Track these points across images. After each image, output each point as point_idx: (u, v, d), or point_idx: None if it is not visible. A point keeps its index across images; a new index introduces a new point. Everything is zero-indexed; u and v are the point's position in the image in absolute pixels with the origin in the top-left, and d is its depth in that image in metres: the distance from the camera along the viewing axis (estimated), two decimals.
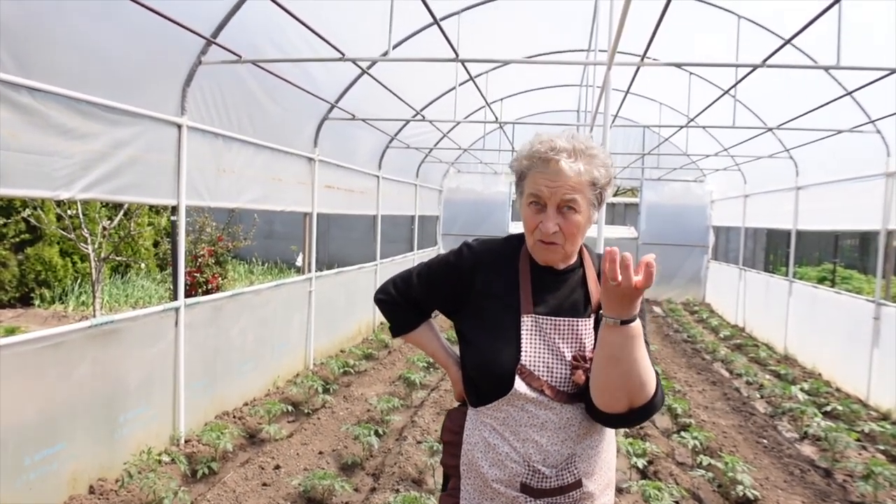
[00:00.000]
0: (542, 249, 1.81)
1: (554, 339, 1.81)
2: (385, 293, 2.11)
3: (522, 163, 1.83)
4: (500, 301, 1.87)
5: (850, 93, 6.74)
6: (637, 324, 1.61)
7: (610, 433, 1.92)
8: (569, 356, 1.80)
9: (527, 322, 1.82)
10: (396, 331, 2.13)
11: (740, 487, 4.73)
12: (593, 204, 1.81)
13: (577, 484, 1.79)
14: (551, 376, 1.78)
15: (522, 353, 1.79)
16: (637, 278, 1.48)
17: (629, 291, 1.50)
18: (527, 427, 1.77)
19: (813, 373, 8.85)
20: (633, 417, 1.73)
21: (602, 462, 1.87)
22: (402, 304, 2.08)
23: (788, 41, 5.21)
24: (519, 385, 1.77)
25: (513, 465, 1.77)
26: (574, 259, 1.91)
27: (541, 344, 1.81)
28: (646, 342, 1.76)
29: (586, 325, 1.84)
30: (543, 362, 1.79)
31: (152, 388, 5.06)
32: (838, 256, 17.13)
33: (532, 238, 1.82)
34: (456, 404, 2.09)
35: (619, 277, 1.48)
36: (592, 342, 1.81)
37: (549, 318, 1.83)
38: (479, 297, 1.90)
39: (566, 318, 1.83)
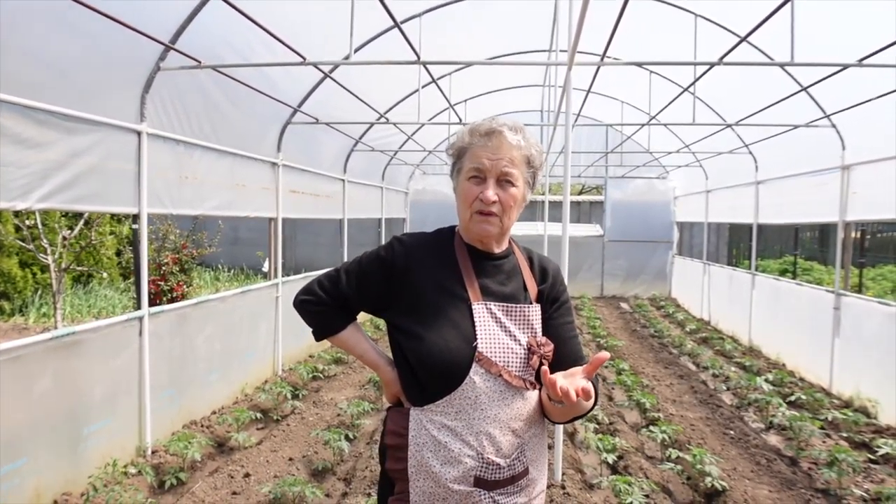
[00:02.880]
0: (479, 221, 1.85)
1: (507, 324, 1.84)
2: (309, 293, 2.00)
3: (464, 139, 1.90)
4: (444, 291, 1.86)
5: (805, 88, 6.89)
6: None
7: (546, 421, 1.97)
8: (523, 341, 1.84)
9: (479, 309, 1.83)
10: (321, 333, 2.02)
11: (708, 479, 4.79)
12: (528, 182, 1.91)
13: (526, 472, 1.82)
14: (507, 361, 1.80)
15: (479, 340, 1.79)
16: (581, 384, 1.55)
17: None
18: (480, 420, 1.77)
19: (777, 363, 9.02)
20: (579, 419, 1.93)
21: (543, 448, 1.93)
22: (329, 304, 1.98)
23: (744, 39, 5.31)
24: (475, 372, 1.77)
25: (466, 461, 1.75)
26: (505, 245, 1.99)
27: (496, 330, 1.83)
28: (578, 337, 1.97)
29: (535, 312, 1.89)
30: (499, 348, 1.81)
31: (117, 400, 4.98)
32: (799, 249, 17.50)
33: (469, 210, 1.86)
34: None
35: (562, 396, 1.54)
36: (541, 328, 1.89)
37: (499, 304, 1.86)
38: (417, 289, 1.88)
39: (515, 305, 1.88)
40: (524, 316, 1.87)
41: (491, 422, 1.77)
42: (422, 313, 1.84)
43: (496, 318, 1.84)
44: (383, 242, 2.04)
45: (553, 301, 1.96)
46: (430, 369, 1.79)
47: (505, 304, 1.86)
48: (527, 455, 1.83)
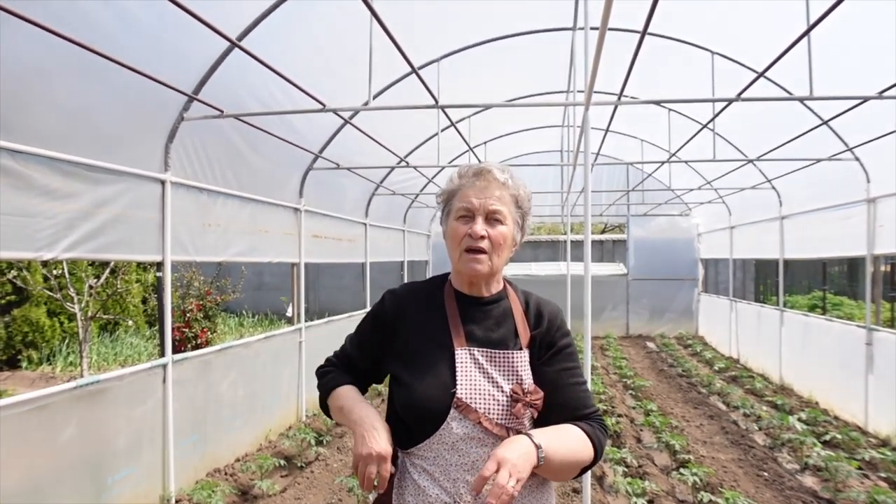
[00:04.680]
0: (469, 260, 1.84)
1: (490, 371, 1.81)
2: (324, 362, 2.12)
3: (454, 181, 1.92)
4: (430, 338, 1.86)
5: (826, 122, 6.84)
6: (546, 463, 1.67)
7: None
8: (507, 388, 1.80)
9: (461, 355, 1.81)
10: (323, 391, 2.01)
11: None
12: (517, 223, 1.91)
13: None
14: (488, 408, 1.77)
15: (458, 386, 1.77)
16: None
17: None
18: (457, 467, 1.75)
19: (810, 402, 8.80)
20: (587, 470, 1.86)
21: (539, 500, 1.85)
22: (336, 366, 2.07)
23: (762, 74, 5.30)
24: (452, 418, 1.75)
25: None
26: (498, 287, 1.96)
27: (477, 376, 1.80)
28: (583, 383, 1.92)
29: (522, 358, 1.85)
30: (480, 394, 1.78)
31: (141, 448, 4.97)
32: (827, 283, 17.22)
33: (459, 249, 1.86)
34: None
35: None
36: (530, 375, 1.84)
37: (483, 350, 1.84)
38: (405, 337, 1.89)
39: (500, 350, 1.84)
40: (508, 362, 1.83)
41: (469, 469, 1.75)
42: (409, 360, 1.86)
43: (479, 364, 1.82)
44: None
45: (548, 346, 1.91)
46: (411, 414, 1.80)
47: (489, 350, 1.84)
48: None
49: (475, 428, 1.75)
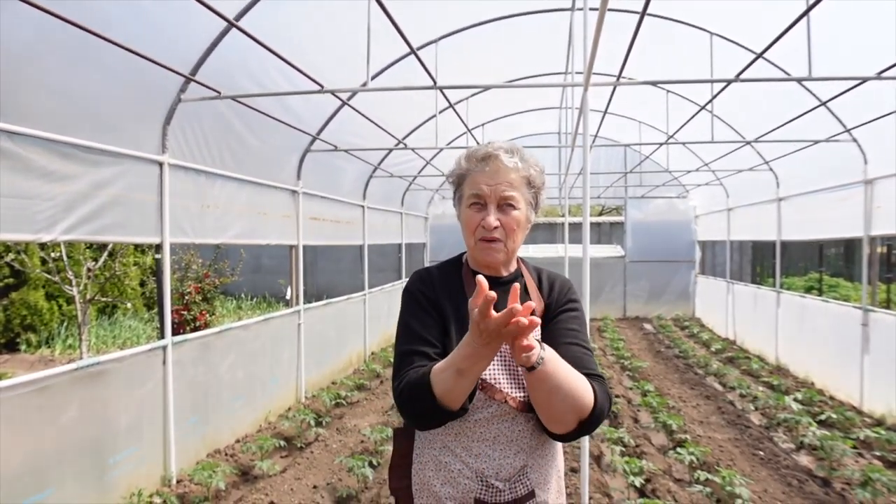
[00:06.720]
0: (484, 249, 1.84)
1: (507, 350, 1.81)
2: (396, 382, 1.77)
3: (461, 165, 1.90)
4: (456, 320, 1.86)
5: (824, 103, 6.83)
6: (543, 368, 1.57)
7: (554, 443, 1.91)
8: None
9: None
10: (421, 390, 1.64)
11: (739, 501, 4.70)
12: (530, 203, 1.89)
13: (531, 495, 1.80)
14: (511, 387, 1.79)
15: None
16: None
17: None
18: (479, 442, 1.78)
19: (806, 382, 8.86)
20: (586, 428, 1.71)
21: (554, 471, 1.89)
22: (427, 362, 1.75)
23: (760, 55, 5.29)
24: (478, 399, 1.77)
25: (465, 482, 1.77)
26: (514, 267, 1.97)
27: (497, 356, 1.80)
28: (585, 346, 1.84)
29: (535, 332, 1.82)
30: (502, 374, 1.80)
31: (142, 429, 5.00)
32: (824, 265, 17.27)
33: (473, 238, 1.85)
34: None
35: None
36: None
37: None
38: (442, 320, 1.88)
39: None
40: None
41: (490, 444, 1.79)
42: (448, 339, 1.85)
43: None
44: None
45: (555, 309, 1.92)
46: None
47: None
48: (531, 478, 1.81)
49: (501, 406, 1.78)
